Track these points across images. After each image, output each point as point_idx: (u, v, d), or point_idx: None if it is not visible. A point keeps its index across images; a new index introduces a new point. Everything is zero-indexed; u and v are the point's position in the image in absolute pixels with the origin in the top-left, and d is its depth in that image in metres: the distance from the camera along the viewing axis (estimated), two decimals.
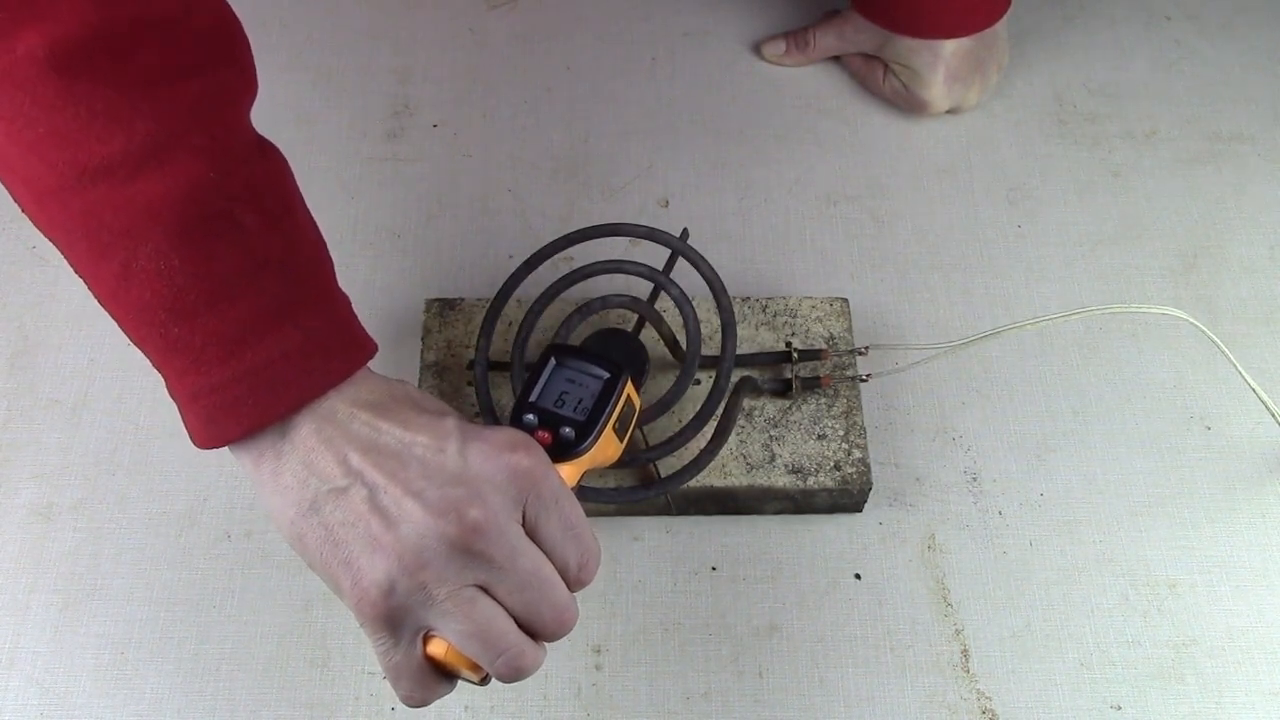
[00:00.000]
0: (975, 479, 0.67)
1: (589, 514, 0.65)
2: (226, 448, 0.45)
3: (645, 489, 0.61)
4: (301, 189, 0.79)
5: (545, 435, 0.50)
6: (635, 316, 0.66)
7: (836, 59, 0.84)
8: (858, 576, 0.64)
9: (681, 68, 0.85)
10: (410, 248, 0.76)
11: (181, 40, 0.44)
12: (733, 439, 0.64)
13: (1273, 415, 0.65)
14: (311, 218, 0.49)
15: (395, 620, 0.43)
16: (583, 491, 0.61)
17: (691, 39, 0.87)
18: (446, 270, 0.74)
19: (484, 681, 0.46)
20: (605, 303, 0.64)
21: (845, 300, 0.69)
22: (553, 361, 0.53)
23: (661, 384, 0.65)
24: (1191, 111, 0.83)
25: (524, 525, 0.45)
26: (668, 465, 0.62)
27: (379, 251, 0.75)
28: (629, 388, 0.53)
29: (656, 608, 0.63)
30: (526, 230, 0.76)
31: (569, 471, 0.50)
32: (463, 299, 0.69)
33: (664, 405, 0.61)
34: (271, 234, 0.45)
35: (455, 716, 0.59)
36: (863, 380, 0.66)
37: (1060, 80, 0.84)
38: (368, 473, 0.43)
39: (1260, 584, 0.64)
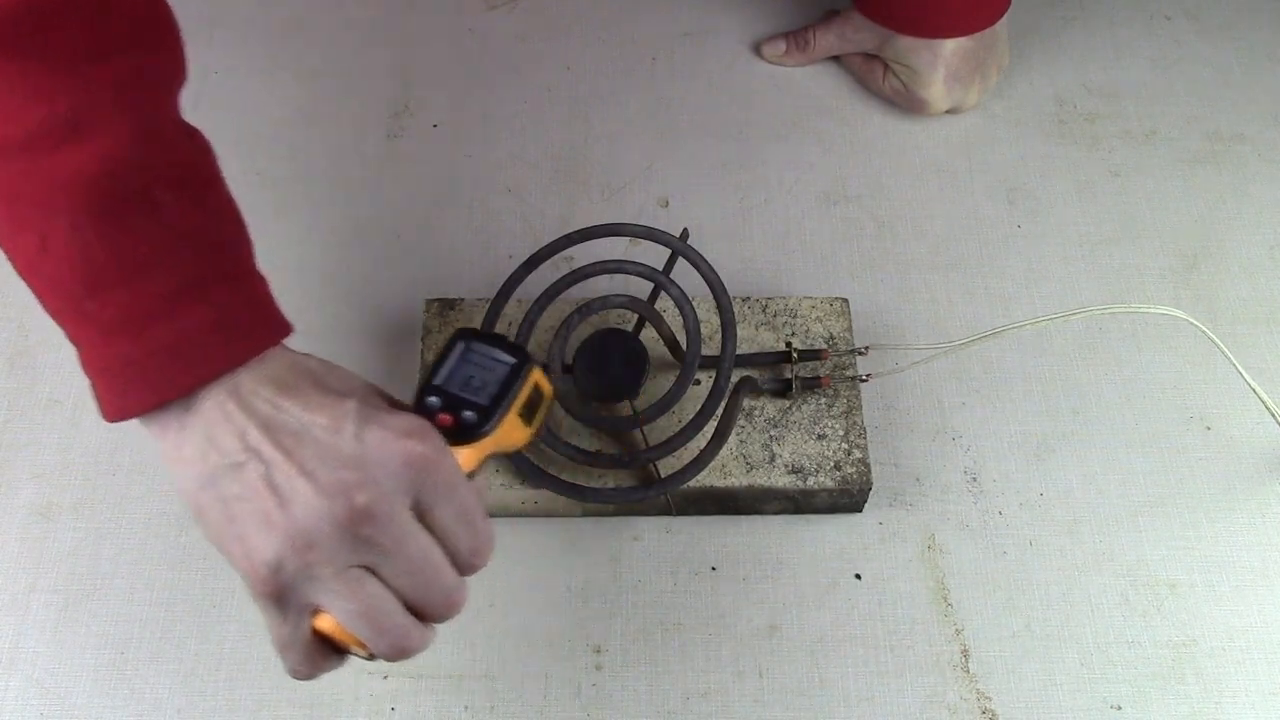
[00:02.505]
0: (975, 479, 0.67)
1: (590, 514, 0.65)
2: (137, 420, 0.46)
3: (645, 489, 0.61)
4: (302, 189, 0.80)
5: (447, 418, 0.50)
6: (635, 316, 0.66)
7: (836, 59, 0.84)
8: (858, 576, 0.64)
9: (681, 68, 0.85)
10: (410, 248, 0.76)
11: (107, 20, 0.45)
12: (733, 439, 0.64)
13: (1273, 415, 0.65)
14: (232, 200, 0.50)
15: (283, 596, 0.44)
16: (583, 492, 0.61)
17: (691, 39, 0.87)
18: (446, 270, 0.74)
19: (373, 657, 0.47)
20: (605, 303, 0.64)
21: (845, 300, 0.69)
22: (460, 345, 0.53)
23: (661, 384, 0.65)
24: (1191, 111, 0.83)
25: (417, 510, 0.46)
26: (668, 465, 0.62)
27: (379, 251, 0.75)
28: (537, 374, 0.54)
29: (656, 608, 0.63)
30: (526, 230, 0.76)
31: (470, 454, 0.51)
32: (463, 299, 0.69)
33: (664, 405, 0.61)
34: (188, 213, 0.46)
35: (455, 716, 0.59)
36: (863, 380, 0.66)
37: (1060, 80, 0.84)
38: (265, 450, 0.44)
39: (1260, 584, 0.64)
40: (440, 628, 0.63)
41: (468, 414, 0.50)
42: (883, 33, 0.79)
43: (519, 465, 0.62)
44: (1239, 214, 0.78)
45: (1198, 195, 0.79)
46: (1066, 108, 0.83)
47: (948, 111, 0.81)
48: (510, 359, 0.52)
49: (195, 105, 0.89)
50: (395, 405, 0.48)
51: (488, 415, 0.51)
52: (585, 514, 0.65)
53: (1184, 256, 0.76)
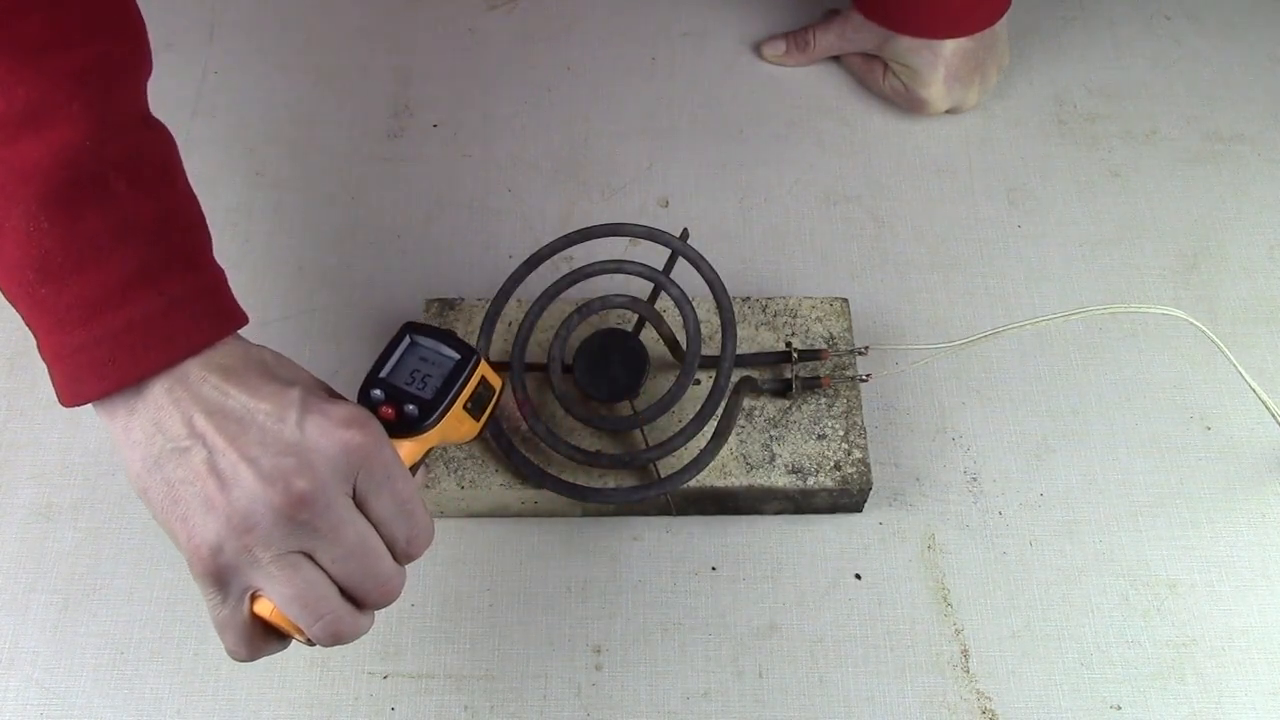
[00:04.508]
0: (975, 479, 0.67)
1: (590, 514, 0.65)
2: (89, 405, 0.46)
3: (645, 489, 0.61)
4: (302, 189, 0.80)
5: (389, 411, 0.51)
6: (635, 316, 0.66)
7: (836, 59, 0.84)
8: (858, 576, 0.64)
9: (681, 68, 0.85)
10: (410, 248, 0.76)
11: (67, 11, 0.45)
12: (733, 439, 0.64)
13: (1273, 415, 0.65)
14: (190, 191, 0.50)
15: (223, 578, 0.45)
16: (583, 492, 0.61)
17: (691, 39, 0.87)
18: (446, 270, 0.74)
19: (311, 643, 0.47)
20: (605, 303, 0.64)
21: (845, 300, 0.69)
22: (407, 339, 0.54)
23: (661, 384, 0.65)
24: (1191, 111, 0.83)
25: (355, 499, 0.47)
26: (668, 465, 0.62)
27: (379, 251, 0.75)
28: (484, 369, 0.54)
29: (656, 608, 0.63)
30: (526, 230, 0.76)
31: (411, 448, 0.51)
32: (463, 299, 0.69)
33: (664, 405, 0.61)
34: (143, 203, 0.46)
35: (455, 716, 0.59)
36: (863, 380, 0.66)
37: (1060, 80, 0.84)
38: (209, 435, 0.45)
39: (1260, 584, 0.64)
40: (441, 627, 0.63)
41: (409, 408, 0.51)
42: (883, 33, 0.79)
43: (519, 465, 0.62)
44: (1239, 214, 0.78)
45: (1198, 195, 0.79)
46: (1066, 108, 0.83)
47: (948, 111, 0.81)
48: (455, 355, 0.53)
49: (195, 105, 0.89)
50: (338, 399, 0.49)
51: (429, 411, 0.51)
52: (585, 514, 0.65)
53: (1184, 256, 0.76)
